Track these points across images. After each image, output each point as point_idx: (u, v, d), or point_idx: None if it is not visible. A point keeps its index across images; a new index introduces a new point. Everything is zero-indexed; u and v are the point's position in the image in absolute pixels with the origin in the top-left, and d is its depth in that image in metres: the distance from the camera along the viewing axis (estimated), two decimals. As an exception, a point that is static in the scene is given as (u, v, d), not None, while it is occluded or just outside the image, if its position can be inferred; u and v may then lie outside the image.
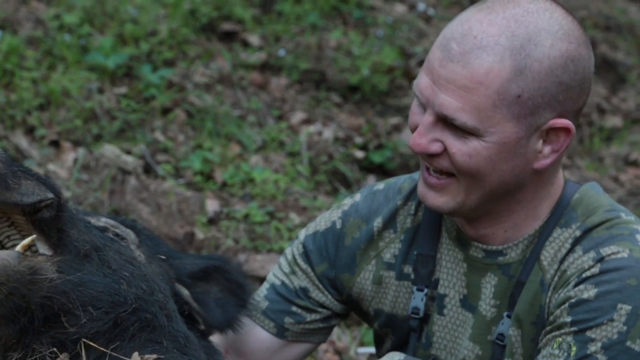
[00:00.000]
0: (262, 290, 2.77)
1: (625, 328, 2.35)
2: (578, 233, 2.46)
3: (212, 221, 4.70)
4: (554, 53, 2.33)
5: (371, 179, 5.35)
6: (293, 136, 5.38)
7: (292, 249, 2.76)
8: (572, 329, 2.38)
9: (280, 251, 4.59)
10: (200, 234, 4.54)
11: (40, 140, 4.80)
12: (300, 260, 2.73)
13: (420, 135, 2.39)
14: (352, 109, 5.81)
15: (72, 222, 2.21)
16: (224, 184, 4.95)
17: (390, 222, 2.67)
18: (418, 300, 2.61)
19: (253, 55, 5.80)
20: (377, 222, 2.67)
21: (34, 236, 2.14)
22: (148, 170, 4.88)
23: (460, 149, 2.37)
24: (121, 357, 2.15)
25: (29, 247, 2.13)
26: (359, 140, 5.51)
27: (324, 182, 5.22)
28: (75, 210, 2.30)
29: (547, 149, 2.41)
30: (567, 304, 2.40)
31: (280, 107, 5.60)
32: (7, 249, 2.17)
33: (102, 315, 2.17)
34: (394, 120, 5.74)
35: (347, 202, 2.74)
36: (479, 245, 2.55)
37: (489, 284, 2.54)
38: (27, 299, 2.09)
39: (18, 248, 2.11)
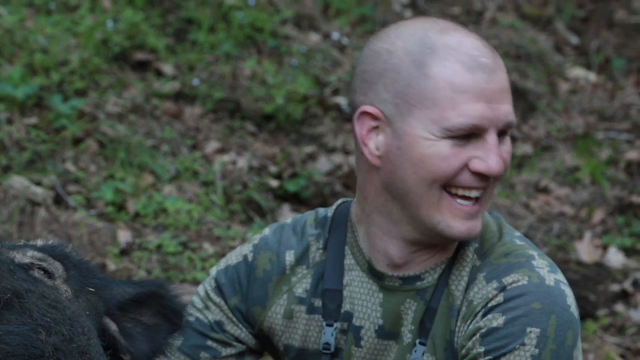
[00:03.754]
0: None
1: (537, 351, 2.40)
2: (476, 257, 2.53)
3: (125, 252, 4.65)
4: None
5: (286, 208, 5.35)
6: (207, 166, 5.36)
7: (205, 286, 2.75)
8: (487, 358, 2.41)
9: (194, 282, 4.56)
10: (112, 266, 4.48)
11: (-53, 172, 4.71)
12: (213, 295, 2.72)
13: (499, 156, 2.44)
14: (266, 138, 5.80)
15: None
16: (137, 215, 4.90)
17: (302, 257, 2.68)
18: (329, 335, 2.61)
19: (167, 85, 5.77)
20: (290, 257, 2.69)
21: None
22: (59, 201, 4.81)
23: (507, 150, 2.48)
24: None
25: None
26: (273, 169, 5.50)
27: (239, 212, 5.20)
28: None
29: None
30: (478, 335, 2.44)
31: (195, 137, 5.57)
32: None
33: None
34: (309, 149, 5.75)
35: (257, 237, 2.76)
36: (394, 275, 2.57)
37: (410, 310, 2.56)
38: None
39: None
